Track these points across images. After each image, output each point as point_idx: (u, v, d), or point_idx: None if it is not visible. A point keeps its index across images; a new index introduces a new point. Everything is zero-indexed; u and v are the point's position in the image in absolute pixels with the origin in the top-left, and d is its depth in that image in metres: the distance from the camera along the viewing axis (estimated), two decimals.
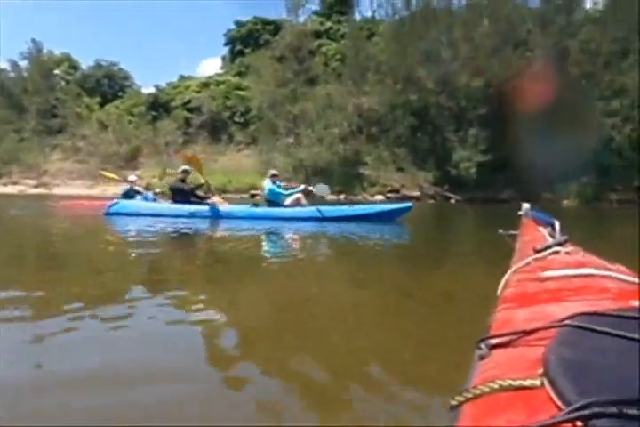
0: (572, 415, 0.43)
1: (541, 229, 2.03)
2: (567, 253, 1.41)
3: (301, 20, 38.09)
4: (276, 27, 41.73)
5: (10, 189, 38.85)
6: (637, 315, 0.67)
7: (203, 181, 10.06)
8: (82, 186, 38.22)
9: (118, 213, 9.39)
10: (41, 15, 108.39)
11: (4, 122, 47.23)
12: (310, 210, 8.86)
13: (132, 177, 12.37)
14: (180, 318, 2.42)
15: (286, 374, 1.75)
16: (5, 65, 53.45)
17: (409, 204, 9.24)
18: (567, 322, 0.67)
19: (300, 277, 3.69)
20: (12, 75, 52.65)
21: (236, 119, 39.41)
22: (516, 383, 0.55)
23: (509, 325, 0.81)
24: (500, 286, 1.27)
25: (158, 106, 43.33)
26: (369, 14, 37.90)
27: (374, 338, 2.19)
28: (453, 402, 0.58)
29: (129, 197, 11.03)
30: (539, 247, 1.45)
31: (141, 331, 2.21)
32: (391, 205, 9.27)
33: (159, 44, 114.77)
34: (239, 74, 43.40)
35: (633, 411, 0.41)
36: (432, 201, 24.81)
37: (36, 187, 40.06)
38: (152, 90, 46.31)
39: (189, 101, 41.52)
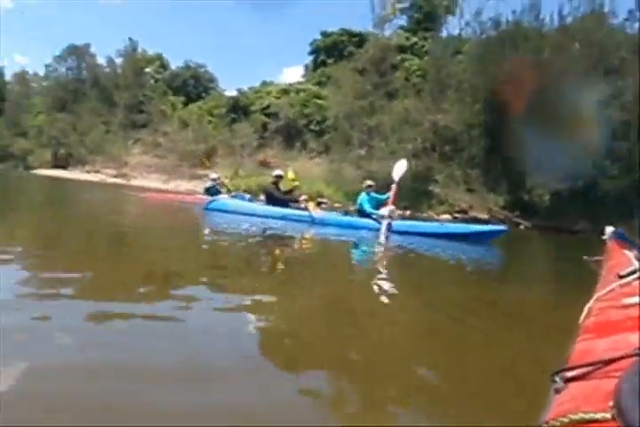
0: None
1: (627, 252, 1.90)
2: None
3: (387, 33, 38.17)
4: (361, 39, 42.01)
5: (91, 177, 40.99)
6: None
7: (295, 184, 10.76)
8: (157, 180, 39.78)
9: (216, 209, 10.15)
10: (139, 16, 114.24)
11: (94, 114, 50.04)
12: (401, 224, 8.90)
13: (214, 175, 12.92)
14: (232, 314, 2.50)
15: (342, 389, 1.71)
16: (102, 61, 56.60)
17: (502, 227, 9.12)
18: None
19: (369, 288, 3.63)
20: (107, 70, 55.67)
21: (312, 127, 39.88)
22: (587, 417, 0.52)
23: (588, 355, 0.79)
24: (583, 315, 1.23)
25: (238, 109, 44.51)
26: (456, 32, 37.52)
27: (445, 361, 2.09)
28: None
29: (211, 194, 11.60)
30: (623, 273, 1.40)
31: (193, 323, 2.27)
32: (485, 227, 9.21)
33: (246, 50, 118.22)
34: (319, 83, 43.92)
35: None
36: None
37: (115, 177, 42.05)
38: (234, 93, 47.70)
39: (268, 106, 42.40)
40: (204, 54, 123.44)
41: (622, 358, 0.64)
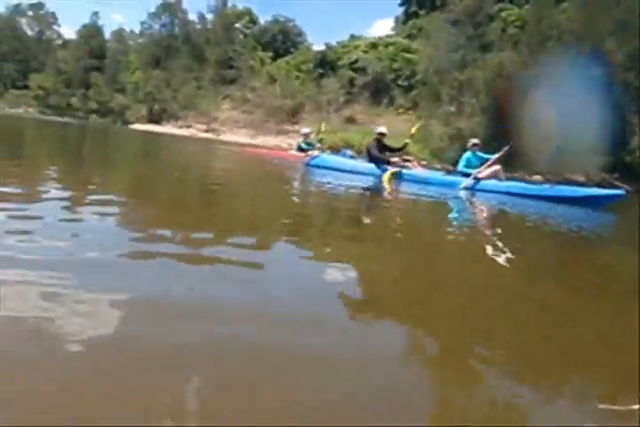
0: None
1: None
2: None
3: None
4: None
5: (183, 131, 42.56)
6: None
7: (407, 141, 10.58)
8: (245, 135, 40.62)
9: (318, 166, 10.29)
10: None
11: (186, 70, 51.40)
12: (507, 185, 8.67)
13: (305, 129, 12.90)
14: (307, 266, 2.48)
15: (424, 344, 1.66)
16: (194, 17, 57.55)
17: (620, 191, 8.35)
18: None
19: (460, 250, 3.37)
20: (199, 26, 56.58)
21: (400, 82, 38.85)
22: None
23: None
24: None
25: (325, 64, 44.05)
26: None
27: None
28: None
29: (303, 150, 11.66)
30: None
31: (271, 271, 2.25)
32: (600, 191, 8.51)
33: (336, 2, 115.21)
34: (409, 36, 42.42)
35: None
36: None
37: (205, 131, 43.36)
38: (323, 48, 47.11)
39: (356, 61, 41.63)
40: (292, 9, 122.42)
41: None
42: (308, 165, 10.44)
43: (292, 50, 52.97)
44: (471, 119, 28.24)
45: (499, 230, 4.69)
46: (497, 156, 8.98)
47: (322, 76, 43.35)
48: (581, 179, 24.05)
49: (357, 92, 40.35)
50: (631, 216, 9.29)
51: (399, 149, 10.46)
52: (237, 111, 46.02)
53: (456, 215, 5.61)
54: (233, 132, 42.10)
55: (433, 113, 31.36)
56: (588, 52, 25.63)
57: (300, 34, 57.07)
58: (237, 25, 55.11)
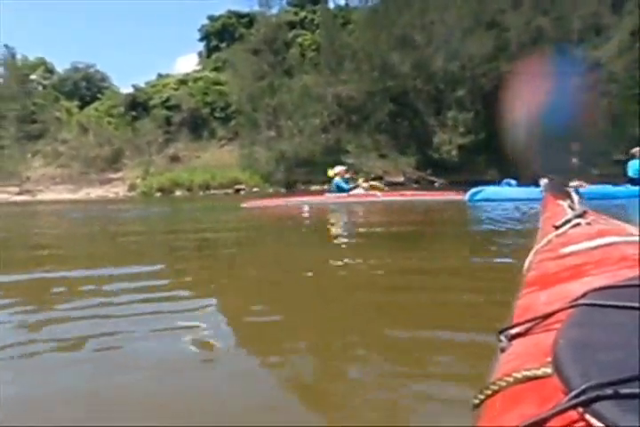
0: (572, 402, 0.40)
1: (561, 202, 1.92)
2: (588, 223, 1.37)
3: (275, 11, 37.73)
4: (250, 20, 41.26)
5: None
6: None
7: None
8: (65, 190, 37.97)
9: (487, 200, 9.47)
10: (10, 20, 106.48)
11: None
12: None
13: (338, 167, 11.97)
14: None
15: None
16: None
17: None
18: (580, 301, 0.65)
19: None
20: None
21: (217, 115, 39.12)
22: (529, 374, 0.52)
23: (530, 311, 0.79)
24: (524, 270, 1.22)
25: (137, 105, 42.91)
26: (342, 2, 37.68)
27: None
28: (475, 400, 0.55)
29: (342, 189, 11.14)
30: (558, 223, 1.41)
31: None
32: None
33: (135, 44, 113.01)
34: (216, 69, 43.02)
35: (632, 390, 0.39)
36: (416, 185, 24.78)
37: (19, 194, 39.62)
38: (131, 90, 45.82)
39: (168, 99, 41.13)
40: (89, 54, 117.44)
41: (558, 311, 0.65)
42: (471, 200, 9.65)
43: (99, 95, 50.83)
44: (291, 141, 29.35)
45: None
46: None
47: (135, 118, 42.12)
48: (401, 179, 26.10)
49: (176, 129, 39.83)
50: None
51: None
52: (52, 167, 42.84)
53: None
54: (50, 190, 39.06)
55: (254, 140, 32.06)
56: (379, 67, 28.14)
57: (104, 78, 54.94)
58: (33, 76, 51.57)
